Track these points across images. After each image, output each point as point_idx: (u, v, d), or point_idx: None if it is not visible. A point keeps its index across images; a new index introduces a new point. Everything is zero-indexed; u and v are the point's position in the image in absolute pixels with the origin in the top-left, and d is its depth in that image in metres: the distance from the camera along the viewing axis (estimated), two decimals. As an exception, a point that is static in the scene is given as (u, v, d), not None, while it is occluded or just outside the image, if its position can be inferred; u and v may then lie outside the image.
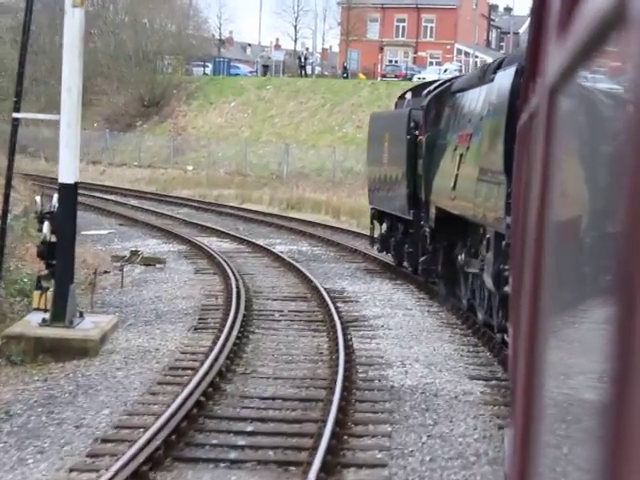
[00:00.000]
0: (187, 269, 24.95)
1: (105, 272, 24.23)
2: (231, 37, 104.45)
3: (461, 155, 16.92)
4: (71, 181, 16.39)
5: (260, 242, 30.69)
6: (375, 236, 25.77)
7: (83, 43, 16.51)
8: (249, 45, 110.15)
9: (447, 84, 20.52)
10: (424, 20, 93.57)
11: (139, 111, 65.18)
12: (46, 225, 16.06)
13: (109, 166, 61.50)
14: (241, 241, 30.73)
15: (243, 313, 18.31)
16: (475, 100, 16.83)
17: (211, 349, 15.17)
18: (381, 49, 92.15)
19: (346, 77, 73.03)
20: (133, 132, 63.88)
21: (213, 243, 30.53)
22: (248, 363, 15.01)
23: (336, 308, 19.13)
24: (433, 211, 19.29)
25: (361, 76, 75.39)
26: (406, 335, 17.24)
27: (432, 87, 21.61)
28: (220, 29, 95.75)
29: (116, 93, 66.05)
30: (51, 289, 16.19)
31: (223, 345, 15.30)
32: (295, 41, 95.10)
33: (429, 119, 20.04)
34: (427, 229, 20.05)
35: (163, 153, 61.05)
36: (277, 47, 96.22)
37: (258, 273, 24.34)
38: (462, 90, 18.46)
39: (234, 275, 22.50)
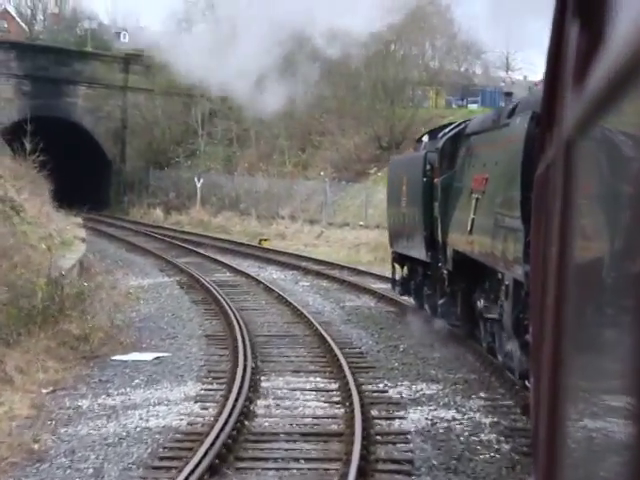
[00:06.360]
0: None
1: None
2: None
3: (477, 199, 16.57)
4: None
5: (396, 395, 15.33)
6: (397, 278, 24.25)
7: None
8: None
9: (462, 126, 19.52)
10: None
11: (374, 155, 50.15)
12: None
13: (329, 227, 46.94)
14: (362, 391, 15.14)
15: None
16: (490, 144, 16.55)
17: None
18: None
19: None
20: (364, 182, 48.91)
21: (299, 399, 15.23)
22: None
23: None
24: (450, 253, 18.59)
25: None
26: None
27: (448, 129, 20.51)
28: (508, 60, 79.71)
29: (348, 132, 51.48)
30: None
31: None
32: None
33: (444, 162, 19.45)
34: (445, 271, 19.31)
35: (398, 209, 45.77)
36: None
37: None
38: (476, 133, 17.81)
39: None
